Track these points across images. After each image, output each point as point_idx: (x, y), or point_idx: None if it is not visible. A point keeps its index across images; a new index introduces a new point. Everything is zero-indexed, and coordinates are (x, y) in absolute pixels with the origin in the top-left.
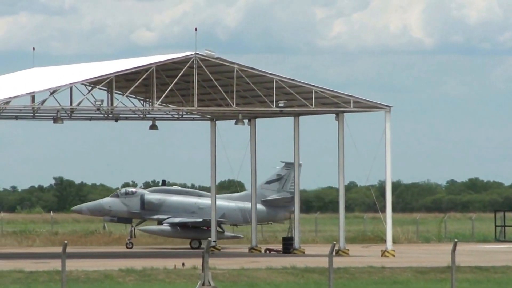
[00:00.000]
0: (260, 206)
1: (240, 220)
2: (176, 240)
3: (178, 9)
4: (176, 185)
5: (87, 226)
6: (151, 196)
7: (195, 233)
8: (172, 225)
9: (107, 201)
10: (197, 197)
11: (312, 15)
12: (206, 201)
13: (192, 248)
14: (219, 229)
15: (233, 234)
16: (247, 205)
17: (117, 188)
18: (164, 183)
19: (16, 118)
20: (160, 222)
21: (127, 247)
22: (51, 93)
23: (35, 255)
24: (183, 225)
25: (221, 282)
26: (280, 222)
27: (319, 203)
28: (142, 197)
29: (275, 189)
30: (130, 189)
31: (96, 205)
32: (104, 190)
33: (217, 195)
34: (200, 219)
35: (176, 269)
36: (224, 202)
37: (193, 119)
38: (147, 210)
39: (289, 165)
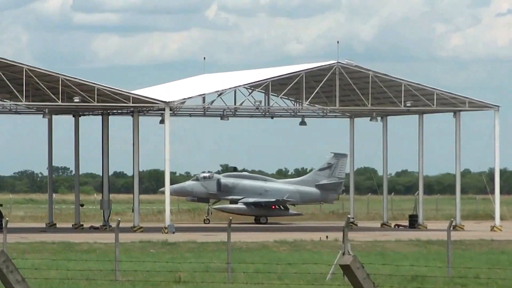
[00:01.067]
0: (314, 189)
1: (298, 200)
2: (239, 217)
3: (323, 25)
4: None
5: None
6: (225, 180)
7: (265, 211)
8: (247, 204)
9: (189, 184)
10: (263, 181)
11: (433, 30)
12: (270, 184)
13: (260, 223)
14: (283, 208)
15: (295, 212)
16: (303, 188)
17: (235, 169)
18: (235, 169)
19: (190, 115)
20: (233, 202)
21: (205, 223)
22: (219, 95)
23: (206, 229)
24: (256, 204)
25: (358, 252)
26: (330, 202)
27: (439, 186)
28: (218, 181)
29: (326, 175)
30: (208, 174)
31: (181, 187)
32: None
33: (279, 180)
34: (274, 199)
35: (321, 241)
36: (286, 185)
37: (335, 116)
38: (223, 191)
39: (337, 155)
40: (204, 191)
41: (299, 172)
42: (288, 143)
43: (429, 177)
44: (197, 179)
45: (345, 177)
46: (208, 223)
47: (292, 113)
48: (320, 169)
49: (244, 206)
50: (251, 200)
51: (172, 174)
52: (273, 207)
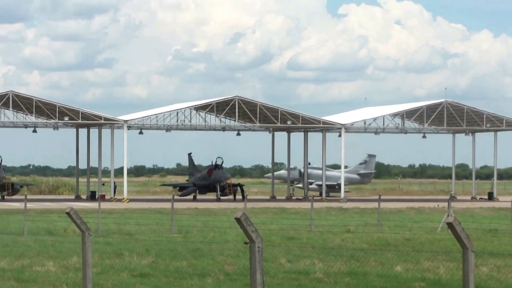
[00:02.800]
0: (356, 176)
1: (346, 182)
2: (311, 193)
3: (435, 78)
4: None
5: None
6: (304, 171)
7: (329, 189)
8: (318, 185)
9: (282, 172)
10: (326, 171)
11: (503, 82)
12: (330, 173)
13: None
14: (338, 187)
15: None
16: (349, 175)
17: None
18: (309, 163)
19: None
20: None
21: (291, 197)
22: (374, 119)
23: (359, 200)
24: (327, 186)
25: (456, 214)
26: (365, 184)
27: (506, 174)
28: (299, 171)
29: (362, 167)
30: (293, 166)
31: (280, 174)
32: None
33: (335, 170)
34: (335, 183)
35: (435, 208)
36: (337, 173)
37: (438, 132)
38: (302, 177)
39: (370, 156)
40: (290, 177)
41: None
42: (416, 150)
43: (500, 169)
44: (286, 169)
45: (374, 169)
46: (291, 197)
47: (418, 131)
48: (359, 164)
49: (316, 186)
50: (319, 182)
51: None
52: (335, 186)
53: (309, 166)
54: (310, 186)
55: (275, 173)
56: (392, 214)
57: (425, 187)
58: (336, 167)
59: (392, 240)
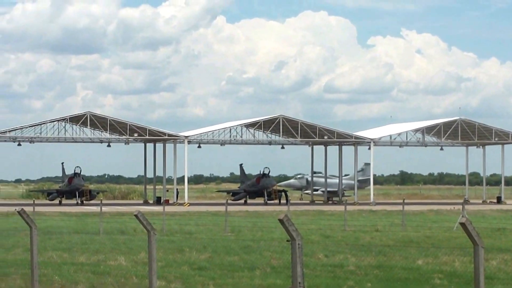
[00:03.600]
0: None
1: (347, 188)
2: (317, 198)
3: (451, 99)
4: None
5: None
6: (310, 179)
7: (332, 195)
8: (322, 191)
9: (292, 181)
10: (329, 178)
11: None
12: (333, 180)
13: (329, 201)
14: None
15: (348, 195)
16: (348, 181)
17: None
18: (315, 172)
19: (391, 144)
20: (314, 190)
21: (300, 199)
22: (398, 134)
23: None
24: (329, 191)
25: (469, 215)
26: (363, 189)
27: None
28: (306, 179)
29: (360, 175)
30: (300, 175)
31: (290, 183)
32: None
33: (335, 177)
34: (336, 189)
35: (451, 210)
36: (345, 180)
37: (453, 145)
38: (308, 185)
39: (366, 164)
40: (298, 185)
41: None
42: (434, 161)
43: (507, 177)
44: (295, 178)
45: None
46: (302, 200)
47: (436, 144)
48: (358, 171)
49: (321, 192)
50: (323, 189)
51: None
52: (336, 192)
53: (315, 174)
54: (316, 192)
55: (287, 182)
56: (414, 216)
57: (442, 192)
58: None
59: (414, 238)
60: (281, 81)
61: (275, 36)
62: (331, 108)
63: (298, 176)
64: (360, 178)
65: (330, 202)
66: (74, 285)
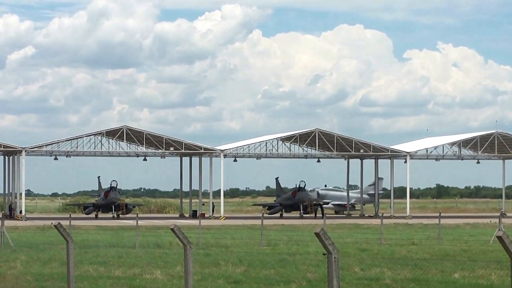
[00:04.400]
0: (366, 196)
1: (358, 202)
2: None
3: (487, 113)
4: None
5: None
6: (321, 191)
7: (340, 208)
8: (333, 204)
9: (303, 193)
10: (339, 192)
11: None
12: (343, 193)
13: (338, 214)
14: (352, 206)
15: (358, 209)
16: (360, 195)
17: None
18: (325, 186)
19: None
20: (325, 203)
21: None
22: (435, 148)
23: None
24: (339, 205)
25: (506, 228)
26: (372, 202)
27: None
28: (318, 192)
29: (371, 188)
30: (313, 188)
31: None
32: None
33: (351, 191)
34: (345, 202)
35: (487, 223)
36: (352, 194)
37: (490, 158)
38: (320, 198)
39: (378, 178)
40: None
41: None
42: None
43: None
44: (307, 191)
45: (383, 190)
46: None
47: (473, 158)
48: (369, 185)
49: (332, 206)
50: (336, 202)
51: None
52: (345, 205)
53: (325, 188)
54: (326, 205)
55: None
56: (451, 229)
57: (479, 206)
58: (402, 189)
59: (451, 251)
60: (317, 94)
61: (311, 50)
62: (367, 122)
63: (309, 190)
64: (371, 191)
65: (366, 215)
66: None
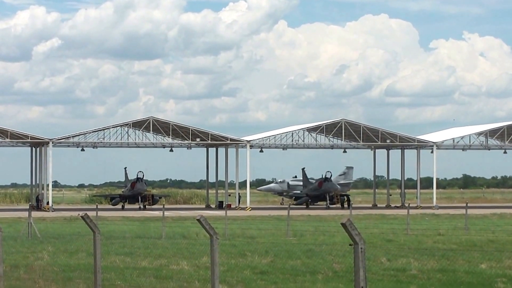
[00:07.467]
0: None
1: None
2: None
3: None
4: None
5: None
6: (291, 182)
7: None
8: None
9: (273, 185)
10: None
11: None
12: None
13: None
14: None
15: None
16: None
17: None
18: (294, 176)
19: (445, 148)
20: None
21: (281, 204)
22: (461, 138)
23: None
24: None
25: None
26: (344, 192)
27: None
28: (288, 183)
29: (342, 178)
30: (283, 179)
31: (270, 187)
32: None
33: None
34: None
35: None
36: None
37: None
38: (290, 189)
39: (348, 167)
40: (280, 189)
41: None
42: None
43: None
44: (276, 183)
45: (352, 180)
46: (282, 205)
47: (499, 147)
48: (339, 175)
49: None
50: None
51: None
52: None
53: (295, 178)
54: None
55: (266, 186)
56: (477, 219)
57: (506, 196)
58: (429, 179)
59: (478, 242)
60: (342, 85)
61: (336, 40)
62: (393, 112)
63: (279, 180)
64: (342, 181)
65: (392, 206)
66: None
